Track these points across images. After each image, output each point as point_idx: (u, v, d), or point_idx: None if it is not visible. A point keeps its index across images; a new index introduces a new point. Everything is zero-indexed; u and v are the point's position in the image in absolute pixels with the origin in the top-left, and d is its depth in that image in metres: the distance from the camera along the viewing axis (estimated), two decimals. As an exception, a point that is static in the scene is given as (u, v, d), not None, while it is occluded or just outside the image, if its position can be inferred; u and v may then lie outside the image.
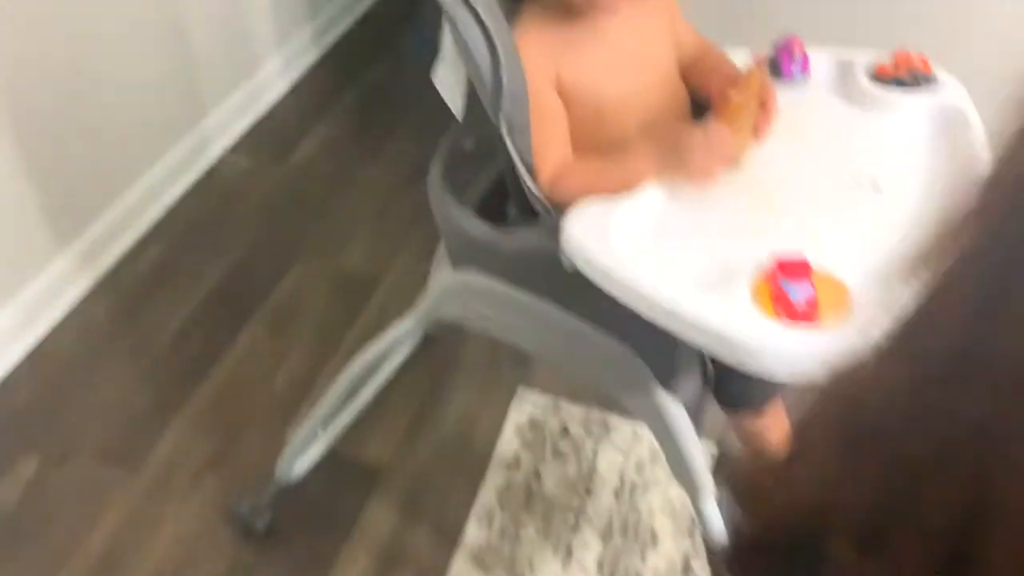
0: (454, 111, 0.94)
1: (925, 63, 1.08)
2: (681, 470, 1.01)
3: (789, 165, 0.96)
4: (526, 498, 1.54)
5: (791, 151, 0.98)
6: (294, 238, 2.01)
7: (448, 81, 0.93)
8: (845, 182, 0.95)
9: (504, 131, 0.90)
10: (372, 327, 1.82)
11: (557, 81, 0.96)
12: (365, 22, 2.73)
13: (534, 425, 1.65)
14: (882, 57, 1.11)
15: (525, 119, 0.91)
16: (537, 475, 1.58)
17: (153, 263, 1.94)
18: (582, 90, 0.96)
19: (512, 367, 1.74)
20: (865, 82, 1.08)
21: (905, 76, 1.07)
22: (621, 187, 0.91)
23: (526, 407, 1.68)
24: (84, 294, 1.86)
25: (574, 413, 1.66)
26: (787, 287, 0.76)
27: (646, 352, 0.94)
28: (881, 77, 1.08)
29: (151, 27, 1.94)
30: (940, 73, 1.08)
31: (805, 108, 1.06)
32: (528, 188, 0.94)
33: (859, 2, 1.46)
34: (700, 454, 1.01)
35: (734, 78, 0.96)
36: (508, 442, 1.63)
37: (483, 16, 0.85)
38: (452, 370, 1.75)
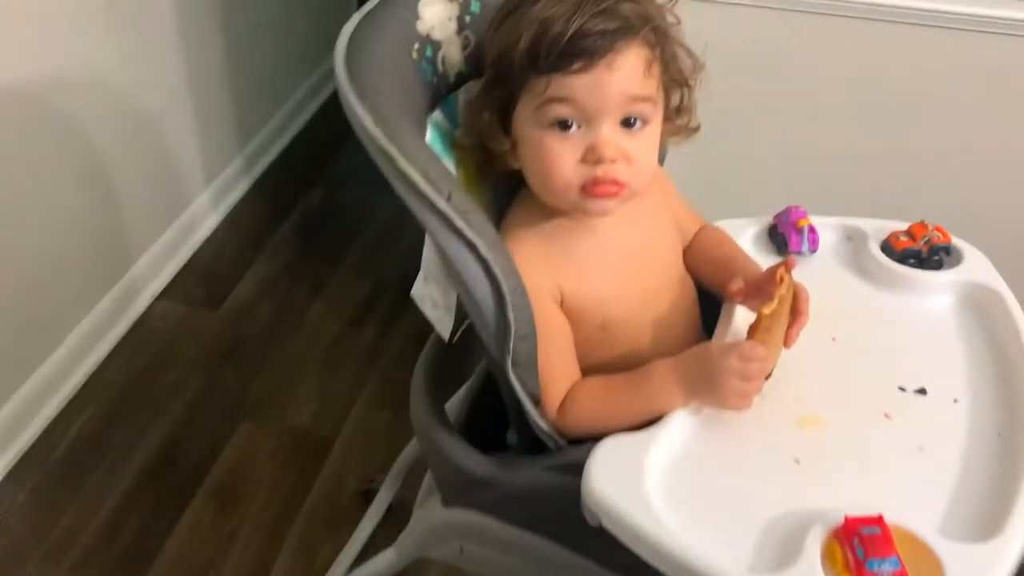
0: (441, 333, 0.81)
1: (942, 232, 1.00)
2: None
3: (825, 371, 0.86)
4: None
5: (822, 351, 0.88)
6: (236, 395, 1.84)
7: (432, 298, 0.80)
8: (886, 385, 0.85)
9: (509, 369, 0.78)
10: (330, 495, 1.67)
11: (560, 297, 0.84)
12: (295, 147, 2.61)
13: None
14: (893, 224, 1.03)
15: (532, 352, 0.79)
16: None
17: (78, 437, 1.74)
18: (587, 305, 0.85)
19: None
20: (882, 257, 0.99)
21: (922, 248, 0.99)
22: (641, 416, 0.79)
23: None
24: None
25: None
26: (871, 565, 0.65)
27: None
28: (896, 249, 0.99)
29: (69, 182, 1.77)
30: (959, 243, 1.00)
31: (822, 293, 0.96)
32: (535, 422, 0.81)
33: (857, 172, 1.38)
34: None
35: (755, 278, 0.86)
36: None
37: (482, 250, 0.73)
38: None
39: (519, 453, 0.88)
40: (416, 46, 0.82)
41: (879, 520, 0.67)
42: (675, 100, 0.86)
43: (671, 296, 0.91)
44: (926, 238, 0.98)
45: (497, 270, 0.74)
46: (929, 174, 1.34)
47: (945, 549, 0.67)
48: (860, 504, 0.70)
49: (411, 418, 0.93)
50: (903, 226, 1.02)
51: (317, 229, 2.33)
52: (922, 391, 0.85)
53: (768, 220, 1.05)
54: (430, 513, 0.95)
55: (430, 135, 0.82)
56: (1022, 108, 1.26)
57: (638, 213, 0.89)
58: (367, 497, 1.60)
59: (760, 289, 0.85)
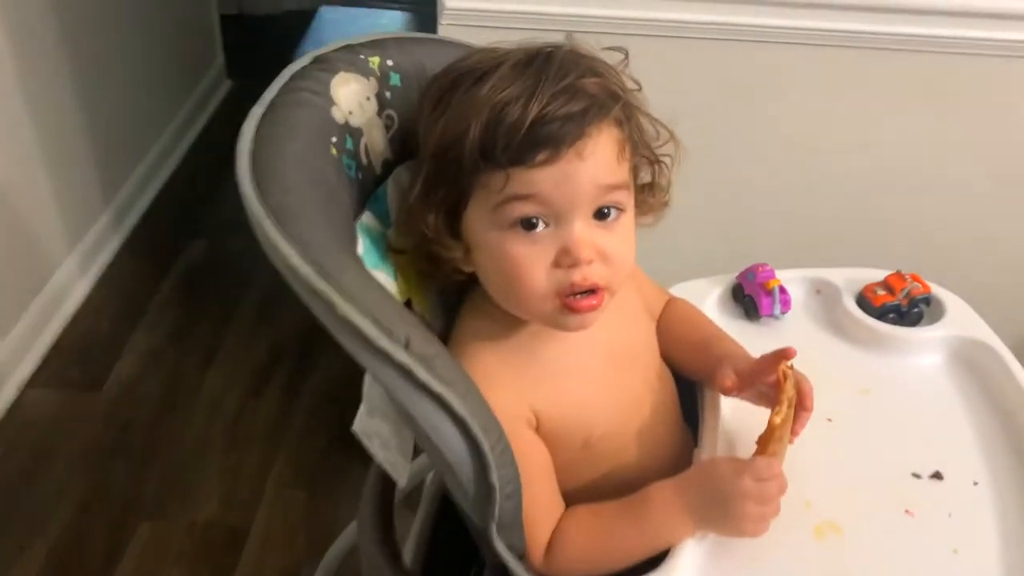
0: (396, 479, 0.68)
1: (920, 281, 0.92)
2: None
3: (831, 463, 0.77)
4: None
5: (822, 438, 0.78)
6: (130, 491, 1.64)
7: (381, 437, 0.66)
8: (899, 473, 0.76)
9: (493, 534, 0.64)
10: (252, 594, 1.49)
11: (535, 421, 0.72)
12: (167, 195, 2.39)
13: None
14: (863, 274, 0.95)
15: (519, 509, 0.66)
16: None
17: (-53, 564, 1.52)
18: (567, 424, 0.73)
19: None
20: (861, 315, 0.90)
21: (902, 301, 0.91)
22: (643, 550, 0.68)
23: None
24: None
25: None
26: None
27: None
28: (874, 304, 0.91)
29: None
30: (939, 291, 0.93)
31: (802, 360, 0.87)
32: (517, 576, 0.68)
33: (809, 215, 1.27)
34: None
35: (748, 368, 0.75)
36: None
37: (457, 408, 0.60)
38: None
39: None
40: (334, 139, 0.68)
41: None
42: (644, 177, 0.74)
43: (653, 398, 0.80)
44: (905, 291, 0.90)
45: (476, 429, 0.61)
46: (886, 216, 1.26)
47: None
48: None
49: (362, 567, 0.79)
50: (876, 276, 0.94)
51: (202, 286, 2.13)
52: (938, 476, 0.76)
53: (731, 279, 0.96)
54: None
55: (362, 245, 0.68)
56: (990, 139, 1.19)
57: (613, 309, 0.77)
58: (294, 594, 1.44)
59: (753, 380, 0.75)
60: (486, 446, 0.61)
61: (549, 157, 0.63)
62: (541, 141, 0.63)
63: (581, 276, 0.66)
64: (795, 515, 0.72)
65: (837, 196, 1.22)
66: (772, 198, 1.21)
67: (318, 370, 1.90)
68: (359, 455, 0.83)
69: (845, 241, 1.23)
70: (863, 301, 0.92)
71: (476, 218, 0.68)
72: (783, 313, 0.92)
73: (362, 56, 0.73)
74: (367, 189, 0.71)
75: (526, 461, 0.68)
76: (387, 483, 0.80)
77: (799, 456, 0.75)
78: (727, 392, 0.76)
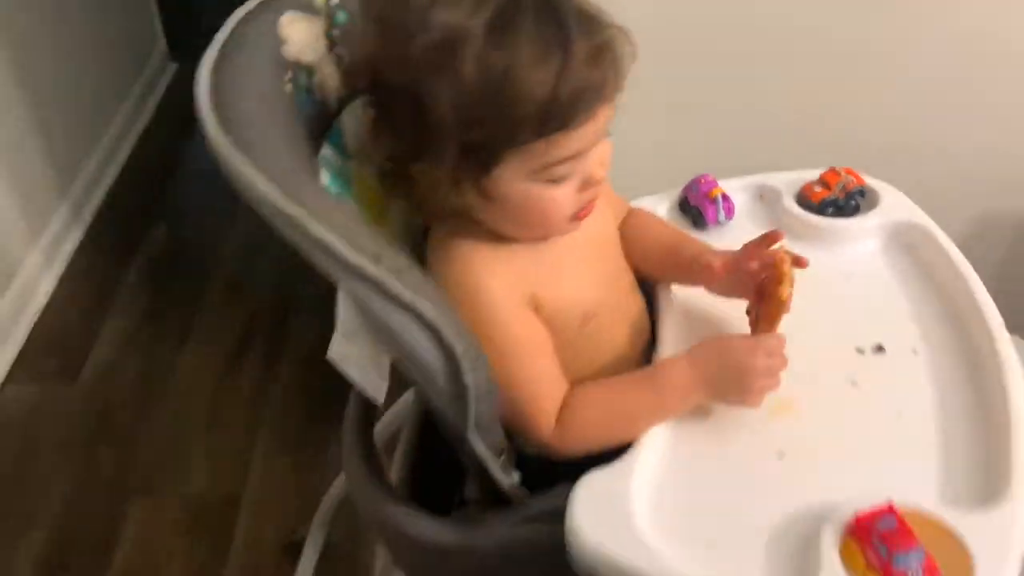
0: (374, 398, 0.71)
1: (854, 174, 0.97)
2: None
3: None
4: None
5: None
6: (119, 475, 1.66)
7: (358, 360, 0.70)
8: (843, 350, 0.81)
9: (471, 434, 0.68)
10: (252, 558, 1.53)
11: (535, 305, 0.75)
12: (123, 182, 2.39)
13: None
14: (801, 175, 0.99)
15: (493, 409, 0.70)
16: None
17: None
18: (566, 304, 0.77)
19: None
20: (800, 212, 0.95)
21: (839, 195, 0.95)
22: (655, 418, 0.73)
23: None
24: None
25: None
26: (898, 562, 0.60)
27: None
28: (814, 201, 0.95)
29: None
30: (873, 182, 0.97)
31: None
32: (498, 478, 0.72)
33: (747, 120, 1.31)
34: None
35: (733, 257, 0.80)
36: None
37: (429, 317, 0.63)
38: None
39: (482, 507, 0.79)
40: (288, 75, 0.70)
41: (891, 510, 0.63)
42: None
43: (628, 276, 0.85)
44: (841, 184, 0.95)
45: (448, 333, 0.64)
46: (812, 112, 1.31)
47: (960, 524, 0.63)
48: (861, 493, 0.65)
49: (349, 491, 0.83)
50: (813, 175, 0.98)
51: (167, 269, 2.15)
52: (880, 348, 0.81)
53: (677, 193, 1.00)
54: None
55: (325, 176, 0.71)
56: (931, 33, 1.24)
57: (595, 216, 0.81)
58: (294, 550, 1.47)
59: (737, 266, 0.79)
60: (459, 349, 0.65)
61: (589, 116, 0.66)
62: (583, 107, 0.65)
63: (595, 193, 0.72)
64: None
65: (769, 106, 1.26)
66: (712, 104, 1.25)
67: (292, 340, 1.92)
68: (340, 417, 0.87)
69: (784, 145, 1.28)
70: (803, 199, 0.96)
71: (507, 178, 0.69)
72: (728, 219, 0.96)
73: (306, -5, 0.76)
74: (324, 123, 0.74)
75: (530, 340, 0.74)
76: (367, 406, 0.84)
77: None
78: (714, 275, 0.79)
